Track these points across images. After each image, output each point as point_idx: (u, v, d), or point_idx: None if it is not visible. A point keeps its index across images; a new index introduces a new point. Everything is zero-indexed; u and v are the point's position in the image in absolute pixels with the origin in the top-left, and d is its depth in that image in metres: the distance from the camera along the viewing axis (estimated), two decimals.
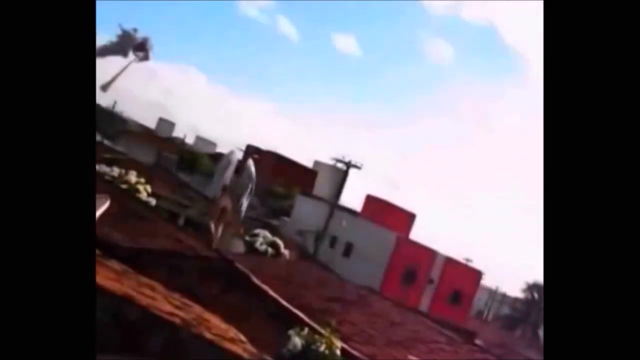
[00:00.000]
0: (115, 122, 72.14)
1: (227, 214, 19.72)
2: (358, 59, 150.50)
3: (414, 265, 53.21)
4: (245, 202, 19.09)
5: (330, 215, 54.48)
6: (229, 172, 18.86)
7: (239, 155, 79.29)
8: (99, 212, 5.90)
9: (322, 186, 67.86)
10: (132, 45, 18.21)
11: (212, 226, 19.67)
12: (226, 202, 19.22)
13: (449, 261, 55.61)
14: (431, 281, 54.39)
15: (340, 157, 57.42)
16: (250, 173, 19.10)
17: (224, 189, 18.89)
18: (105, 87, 16.79)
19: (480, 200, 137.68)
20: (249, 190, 19.11)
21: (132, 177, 27.47)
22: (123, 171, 28.15)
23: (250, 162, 19.75)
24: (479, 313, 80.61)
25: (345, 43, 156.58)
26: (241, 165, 18.93)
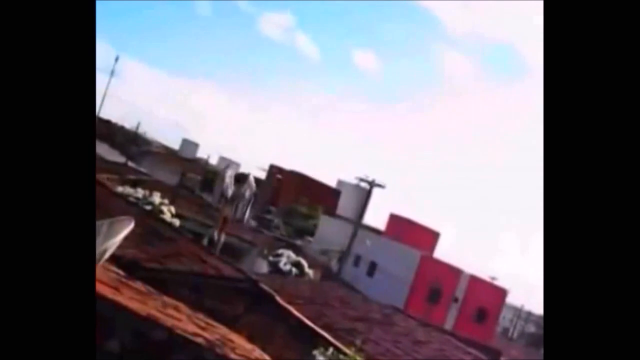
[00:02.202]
0: (139, 143, 72.51)
1: (228, 223, 20.29)
2: (378, 75, 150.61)
3: (439, 283, 52.97)
4: (248, 212, 19.73)
5: (354, 235, 54.36)
6: (229, 185, 19.41)
7: (262, 174, 79.47)
8: (123, 234, 5.94)
9: (345, 205, 67.91)
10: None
11: (215, 234, 20.24)
12: (227, 212, 19.74)
13: (474, 279, 55.31)
14: (456, 299, 54.10)
15: (364, 176, 57.39)
16: (250, 185, 19.71)
17: (225, 200, 19.46)
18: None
19: (506, 217, 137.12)
20: (249, 200, 19.71)
21: (156, 198, 27.64)
22: (147, 192, 28.32)
23: (251, 176, 20.53)
24: (505, 331, 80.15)
25: (365, 59, 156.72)
26: (242, 179, 19.64)
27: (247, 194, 19.50)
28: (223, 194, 19.83)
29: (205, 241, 25.05)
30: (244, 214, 20.18)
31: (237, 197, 19.40)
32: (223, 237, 20.99)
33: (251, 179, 20.67)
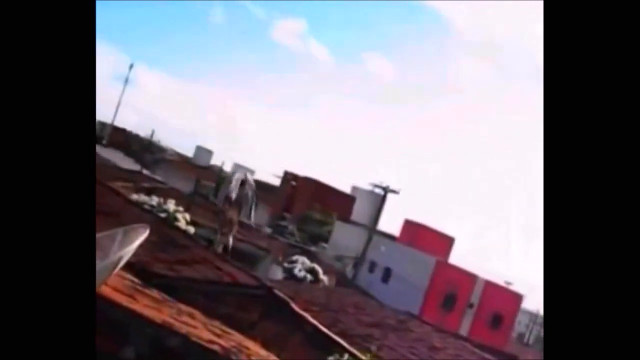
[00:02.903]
0: (153, 151, 72.69)
1: (233, 224, 20.68)
2: (391, 79, 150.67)
3: (454, 289, 52.82)
4: (253, 212, 20.22)
5: (369, 241, 54.31)
6: (234, 188, 19.78)
7: (277, 181, 79.49)
8: (138, 242, 5.97)
9: (360, 211, 67.81)
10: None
11: (219, 235, 20.69)
12: (232, 214, 20.10)
13: (489, 284, 55.11)
14: (471, 305, 53.92)
15: (378, 182, 57.34)
16: (250, 185, 20.14)
17: (229, 202, 19.84)
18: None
19: (522, 222, 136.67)
20: (252, 200, 20.13)
21: (171, 205, 27.69)
22: (162, 200, 28.39)
23: (249, 176, 20.99)
24: (520, 336, 79.84)
25: (378, 64, 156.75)
26: (244, 180, 20.08)
27: (249, 194, 19.83)
28: (228, 197, 20.14)
29: (220, 248, 25.11)
30: (249, 214, 20.55)
31: (240, 198, 19.72)
32: (230, 240, 21.24)
33: (249, 178, 20.99)
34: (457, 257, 58.30)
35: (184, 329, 8.06)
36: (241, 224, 37.25)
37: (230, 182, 20.42)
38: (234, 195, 19.88)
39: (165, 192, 33.69)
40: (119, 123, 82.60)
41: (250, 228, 38.94)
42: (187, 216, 27.18)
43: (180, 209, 28.02)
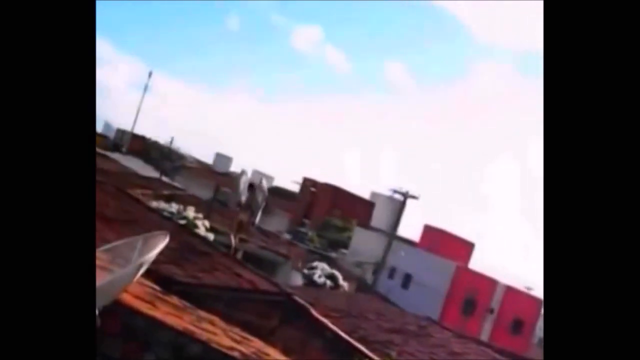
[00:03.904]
0: (173, 158, 72.91)
1: (244, 227, 21.09)
2: (408, 86, 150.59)
3: (474, 294, 52.69)
4: (259, 216, 20.76)
5: (389, 247, 54.28)
6: (243, 191, 20.14)
7: (296, 187, 79.56)
8: (158, 249, 5.98)
9: (379, 217, 67.81)
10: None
11: (232, 237, 21.07)
12: (243, 217, 20.46)
13: (509, 290, 54.93)
14: (491, 310, 53.76)
15: (398, 188, 57.31)
16: (263, 191, 20.54)
17: (240, 205, 20.23)
18: None
19: (541, 226, 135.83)
20: (261, 205, 20.58)
21: (191, 212, 27.82)
22: (181, 207, 28.51)
23: (263, 181, 21.51)
24: (541, 341, 79.42)
25: (395, 70, 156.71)
26: (256, 185, 20.53)
27: (260, 199, 20.19)
28: (238, 201, 20.48)
29: (239, 255, 25.17)
30: (255, 218, 20.95)
31: (251, 202, 20.08)
32: (238, 241, 21.56)
33: (263, 183, 21.36)
34: (478, 263, 58.20)
35: (204, 336, 8.08)
36: (263, 232, 37.39)
37: (238, 186, 20.72)
38: (243, 199, 20.17)
39: (185, 199, 33.84)
40: (138, 130, 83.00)
41: (270, 234, 39.04)
42: (207, 223, 27.29)
43: (200, 215, 28.14)
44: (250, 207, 20.32)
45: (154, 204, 27.75)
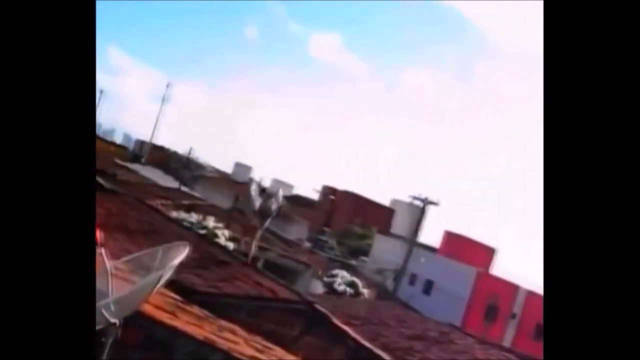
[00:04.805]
0: (192, 168, 73.07)
1: (257, 232, 21.49)
2: (426, 92, 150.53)
3: (496, 300, 52.43)
4: (267, 222, 21.20)
5: (409, 253, 54.14)
6: (255, 197, 20.46)
7: (316, 195, 79.49)
8: (178, 259, 6.00)
9: (400, 224, 67.61)
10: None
11: (246, 243, 21.47)
12: (255, 222, 20.83)
13: (531, 295, 54.57)
14: (514, 316, 53.47)
15: (417, 194, 57.16)
16: (277, 199, 20.91)
17: (252, 212, 20.59)
18: None
19: None
20: (273, 213, 20.96)
21: (211, 222, 27.91)
22: (201, 217, 28.59)
23: (280, 191, 21.94)
24: None
25: (413, 76, 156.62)
26: (269, 192, 20.97)
27: (274, 207, 20.47)
28: (252, 208, 20.79)
29: (260, 264, 25.19)
30: (264, 224, 21.29)
31: (264, 209, 20.38)
32: (254, 248, 21.80)
33: (280, 193, 21.65)
34: (499, 268, 57.93)
35: (225, 345, 8.10)
36: (283, 240, 37.41)
37: (249, 193, 21.02)
38: (257, 205, 20.41)
39: (205, 209, 33.90)
40: (157, 141, 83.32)
41: (291, 243, 39.04)
42: (227, 232, 27.36)
43: (220, 225, 28.20)
44: (262, 213, 20.56)
45: (174, 214, 27.82)
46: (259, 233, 21.74)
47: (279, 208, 21.30)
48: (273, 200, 20.57)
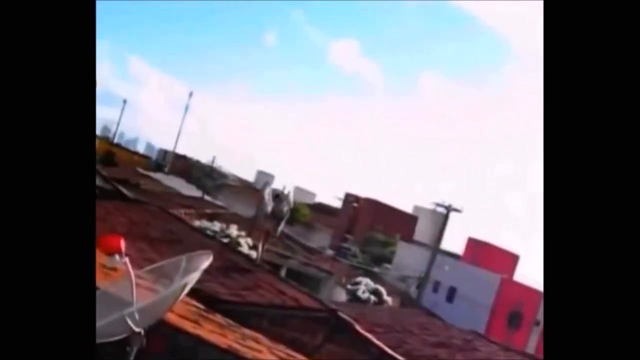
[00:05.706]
0: (214, 177, 73.27)
1: (269, 235, 21.69)
2: (444, 97, 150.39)
3: (520, 307, 52.21)
4: (282, 226, 21.49)
5: (432, 260, 54.02)
6: (268, 202, 20.64)
7: (338, 203, 79.49)
8: (202, 268, 6.02)
9: (423, 231, 67.55)
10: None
11: (259, 245, 21.73)
12: (268, 226, 21.01)
13: None
14: (538, 323, 53.21)
15: (440, 201, 57.04)
16: (289, 201, 21.13)
17: (265, 215, 20.79)
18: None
19: None
20: (285, 216, 21.18)
21: (233, 230, 27.96)
22: (224, 225, 28.65)
23: (291, 193, 22.12)
24: None
25: (433, 83, 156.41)
26: (281, 194, 21.11)
27: (285, 209, 20.61)
28: (265, 212, 20.94)
29: (283, 272, 25.22)
30: (277, 228, 21.44)
31: (276, 212, 20.54)
32: (261, 249, 21.97)
33: (290, 196, 21.81)
34: (523, 275, 57.69)
35: (249, 354, 8.12)
36: (306, 248, 37.42)
37: (263, 197, 21.17)
38: (269, 209, 20.55)
39: (227, 218, 33.93)
40: (180, 150, 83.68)
41: (313, 251, 39.04)
42: (250, 241, 27.37)
43: (243, 233, 28.23)
44: (275, 216, 20.67)
45: (197, 223, 27.90)
46: (264, 235, 21.82)
47: (289, 210, 21.44)
48: (284, 202, 20.69)
